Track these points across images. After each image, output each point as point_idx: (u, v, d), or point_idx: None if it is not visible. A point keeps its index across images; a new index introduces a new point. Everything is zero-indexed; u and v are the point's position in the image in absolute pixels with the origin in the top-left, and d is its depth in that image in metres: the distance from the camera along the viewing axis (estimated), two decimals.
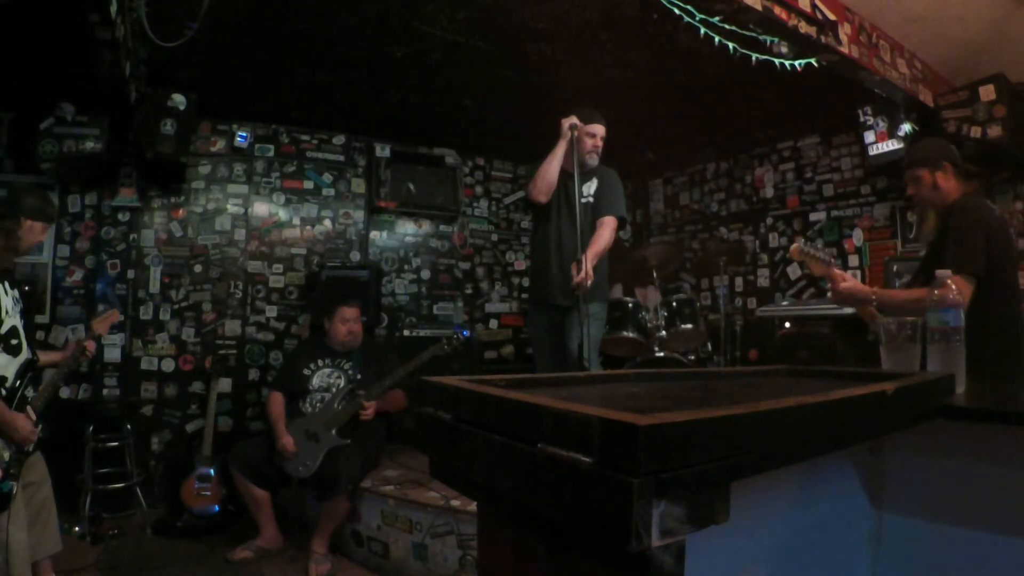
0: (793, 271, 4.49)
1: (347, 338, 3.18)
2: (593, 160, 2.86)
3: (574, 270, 2.53)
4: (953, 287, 1.23)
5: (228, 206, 4.08)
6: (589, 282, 2.52)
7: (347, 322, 3.18)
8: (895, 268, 3.60)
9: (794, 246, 1.95)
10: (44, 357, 2.38)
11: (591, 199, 2.83)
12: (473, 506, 2.21)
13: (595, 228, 2.78)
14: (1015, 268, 2.01)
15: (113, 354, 3.69)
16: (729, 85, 3.42)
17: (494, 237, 5.02)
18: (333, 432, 2.94)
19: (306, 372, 3.15)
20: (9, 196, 2.26)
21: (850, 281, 1.96)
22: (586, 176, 2.83)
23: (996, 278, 1.88)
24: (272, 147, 4.22)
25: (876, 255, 4.03)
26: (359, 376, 3.14)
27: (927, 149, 2.13)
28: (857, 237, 4.14)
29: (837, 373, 1.23)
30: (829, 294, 2.02)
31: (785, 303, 4.10)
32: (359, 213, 4.48)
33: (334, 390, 3.10)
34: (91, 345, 2.44)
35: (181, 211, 3.95)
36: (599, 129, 2.84)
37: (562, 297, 2.75)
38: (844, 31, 2.80)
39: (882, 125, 3.62)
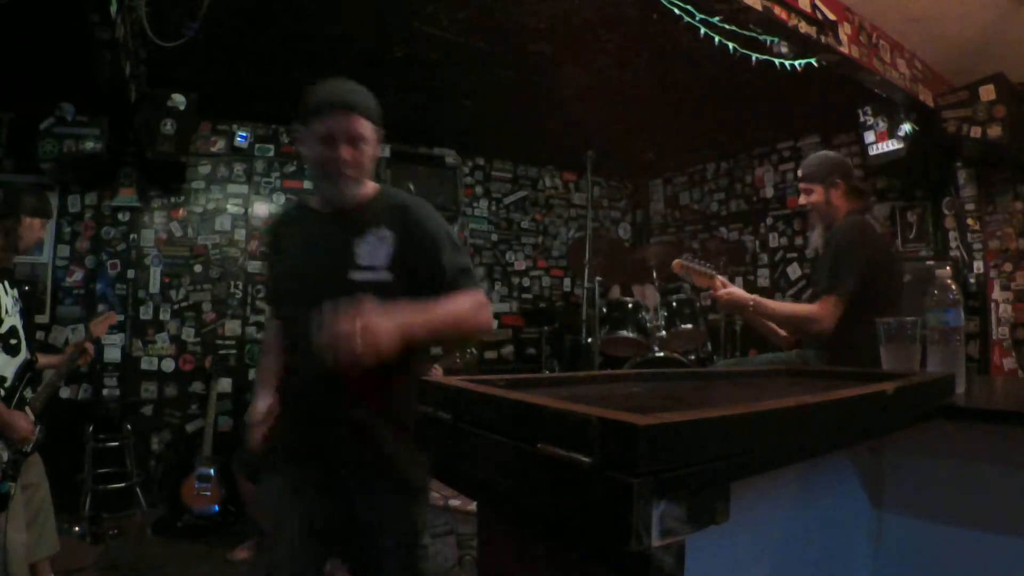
0: (793, 271, 4.48)
1: None
2: None
3: None
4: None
5: (228, 206, 4.08)
6: None
7: None
8: None
9: (676, 261, 2.12)
10: (43, 360, 2.37)
11: None
12: (473, 506, 2.20)
13: None
14: (898, 286, 2.05)
15: (113, 354, 3.69)
16: (729, 85, 3.42)
17: (494, 237, 5.02)
18: None
19: None
20: (7, 196, 2.26)
21: (729, 288, 2.09)
22: None
23: (871, 297, 1.89)
24: (272, 147, 4.22)
25: None
26: None
27: (822, 167, 2.15)
28: None
29: (837, 373, 1.23)
30: (709, 302, 2.13)
31: None
32: None
33: None
34: (89, 347, 2.44)
35: (181, 211, 3.95)
36: None
37: None
38: (844, 31, 2.80)
39: (882, 125, 3.61)
